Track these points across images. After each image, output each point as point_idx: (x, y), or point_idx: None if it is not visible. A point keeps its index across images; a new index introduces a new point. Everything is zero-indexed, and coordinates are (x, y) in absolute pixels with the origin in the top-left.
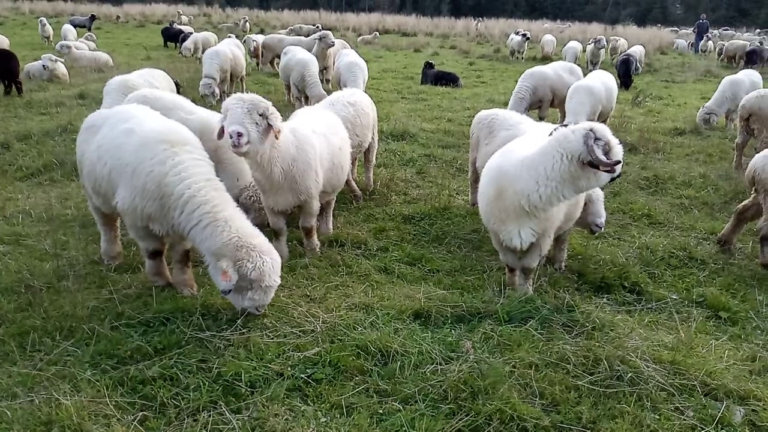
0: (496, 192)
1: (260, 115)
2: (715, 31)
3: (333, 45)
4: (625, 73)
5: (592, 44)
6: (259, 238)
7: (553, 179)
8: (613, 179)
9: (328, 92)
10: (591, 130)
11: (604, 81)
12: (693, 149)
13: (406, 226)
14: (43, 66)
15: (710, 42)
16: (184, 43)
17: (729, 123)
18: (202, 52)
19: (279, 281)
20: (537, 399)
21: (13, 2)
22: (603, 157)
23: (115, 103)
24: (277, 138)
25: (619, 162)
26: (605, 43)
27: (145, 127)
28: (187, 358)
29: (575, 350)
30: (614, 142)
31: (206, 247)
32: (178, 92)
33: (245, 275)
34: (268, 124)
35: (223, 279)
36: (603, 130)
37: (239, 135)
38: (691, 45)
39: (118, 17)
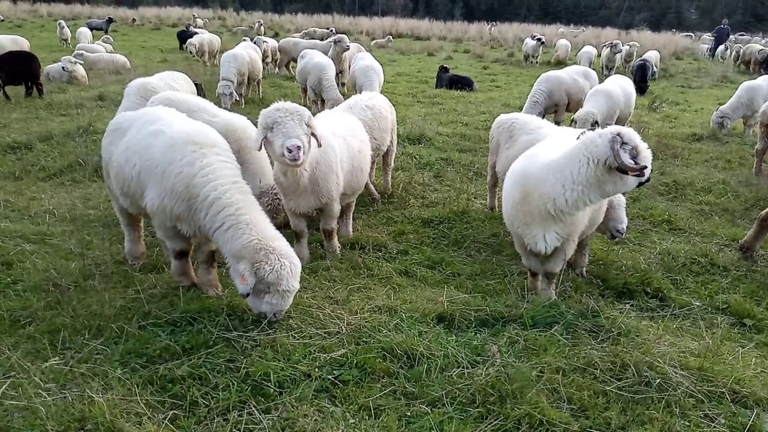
0: (522, 195)
1: (306, 124)
2: (732, 36)
3: (348, 48)
4: (641, 78)
5: (608, 49)
6: (279, 242)
7: (579, 183)
8: (641, 184)
9: (344, 95)
10: (618, 134)
11: (623, 85)
12: (711, 155)
13: (425, 229)
14: (63, 68)
15: (727, 48)
16: (190, 40)
17: (747, 129)
18: (209, 54)
19: (297, 286)
20: (565, 404)
21: (31, 5)
22: (630, 162)
23: (133, 105)
24: (319, 146)
25: (646, 167)
26: (621, 48)
27: (174, 128)
28: (216, 357)
29: (602, 355)
30: (642, 146)
31: (228, 249)
32: (200, 94)
33: (263, 278)
34: (312, 132)
35: (240, 282)
36: (630, 134)
37: (299, 148)
38: (710, 50)
39: (134, 20)
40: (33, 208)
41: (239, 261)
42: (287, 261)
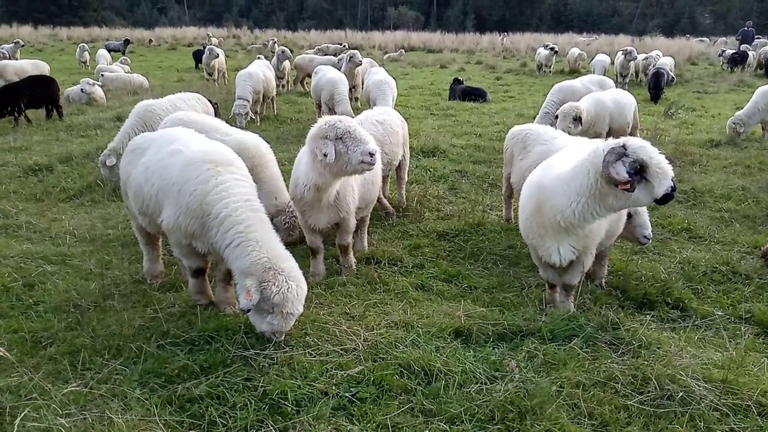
0: (536, 207)
1: None
2: (757, 40)
3: (360, 64)
4: (655, 85)
5: (623, 56)
6: (289, 263)
7: (582, 195)
8: (663, 201)
9: (358, 110)
10: (623, 145)
11: (616, 96)
12: (730, 161)
13: (441, 242)
14: (82, 90)
15: (752, 52)
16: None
17: (766, 134)
18: (218, 72)
19: (301, 310)
20: (586, 419)
21: (51, 29)
22: (619, 175)
23: (131, 127)
24: None
25: (631, 180)
26: (636, 55)
27: (191, 147)
28: (233, 376)
29: (623, 369)
30: (656, 161)
31: (237, 266)
32: (216, 114)
33: (268, 298)
34: None
35: (245, 297)
36: (640, 148)
37: (375, 152)
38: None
39: (150, 41)
40: (54, 229)
41: (247, 277)
42: (294, 284)
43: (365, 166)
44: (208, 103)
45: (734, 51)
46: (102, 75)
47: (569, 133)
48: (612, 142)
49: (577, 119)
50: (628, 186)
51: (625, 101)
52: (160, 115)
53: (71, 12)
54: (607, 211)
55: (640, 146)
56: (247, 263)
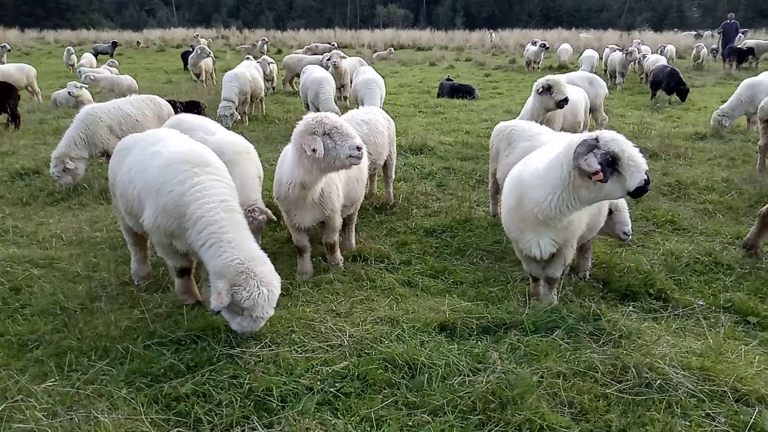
0: (516, 201)
1: None
2: (740, 33)
3: (336, 65)
4: (679, 81)
5: (624, 55)
6: (262, 267)
7: (557, 188)
8: (635, 194)
9: (347, 109)
10: (595, 138)
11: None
12: (715, 153)
13: (428, 239)
14: (69, 93)
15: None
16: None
17: (751, 126)
18: (206, 74)
19: (271, 313)
20: (566, 408)
21: (38, 33)
22: (590, 167)
23: (75, 133)
24: None
25: (598, 171)
26: (637, 55)
27: (170, 148)
28: (219, 374)
29: (603, 359)
30: (625, 153)
31: (211, 267)
32: (199, 113)
33: (238, 302)
34: None
35: (216, 299)
36: (610, 139)
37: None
38: (714, 50)
39: (138, 43)
40: (41, 233)
41: (219, 279)
42: (266, 289)
43: (353, 161)
44: (165, 104)
45: (732, 45)
46: (80, 72)
47: None
48: (586, 134)
49: (548, 89)
50: (600, 177)
51: (575, 98)
52: (103, 119)
53: (59, 15)
54: (581, 204)
55: (612, 139)
56: (219, 264)
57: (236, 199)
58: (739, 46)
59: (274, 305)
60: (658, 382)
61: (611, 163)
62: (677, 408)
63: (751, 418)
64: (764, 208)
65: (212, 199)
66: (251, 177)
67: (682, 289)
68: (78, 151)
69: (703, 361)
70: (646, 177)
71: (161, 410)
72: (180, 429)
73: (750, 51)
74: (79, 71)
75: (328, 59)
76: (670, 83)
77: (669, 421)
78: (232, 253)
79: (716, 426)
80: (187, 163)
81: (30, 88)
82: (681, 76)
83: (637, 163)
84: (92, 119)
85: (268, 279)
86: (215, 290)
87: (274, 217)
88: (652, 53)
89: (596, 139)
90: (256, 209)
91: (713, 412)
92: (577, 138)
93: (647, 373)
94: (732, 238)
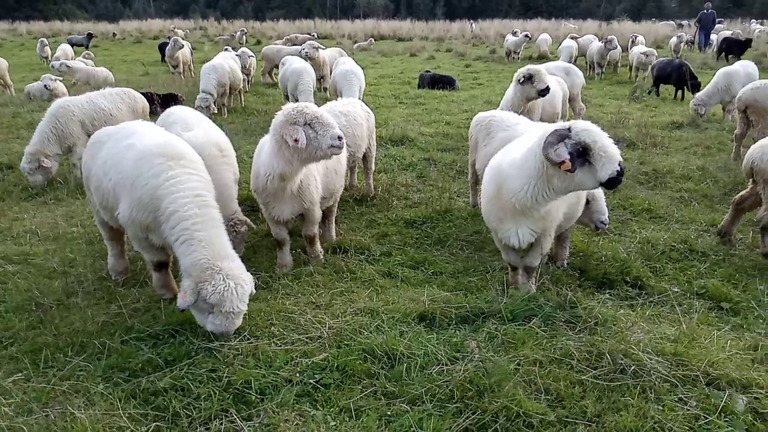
0: (495, 191)
1: None
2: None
3: (309, 55)
4: (692, 75)
5: (603, 44)
6: (230, 262)
7: (532, 177)
8: (608, 185)
9: (327, 100)
10: (568, 128)
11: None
12: (691, 142)
13: (409, 230)
14: (45, 86)
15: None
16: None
17: (726, 115)
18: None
19: (244, 309)
20: (542, 395)
21: (10, 24)
22: (559, 156)
23: (47, 128)
24: None
25: (564, 161)
26: (617, 44)
27: (144, 141)
28: (198, 368)
29: (578, 346)
30: (596, 144)
31: (182, 264)
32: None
33: (204, 298)
34: None
35: (181, 297)
36: (582, 129)
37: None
38: (690, 42)
39: (114, 34)
40: (15, 228)
41: (187, 277)
42: (233, 282)
43: (335, 150)
44: (140, 97)
45: (728, 37)
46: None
47: None
48: (559, 124)
49: (529, 78)
50: (568, 167)
51: (553, 89)
52: (74, 113)
53: (30, 6)
54: (556, 194)
55: (584, 129)
56: (188, 263)
57: (212, 192)
58: (734, 36)
59: (246, 300)
60: (633, 368)
61: (582, 153)
62: (651, 393)
63: (721, 401)
64: (737, 195)
65: (186, 193)
66: (227, 184)
67: (658, 277)
68: (52, 148)
69: (677, 346)
70: (618, 168)
71: (139, 405)
72: (158, 423)
73: (748, 42)
74: (52, 65)
75: (303, 49)
76: (681, 77)
77: (643, 406)
78: (201, 252)
79: (688, 409)
80: (162, 156)
81: (2, 80)
82: (691, 69)
83: (609, 154)
84: (63, 113)
85: (236, 273)
86: (182, 289)
87: (254, 226)
88: (620, 43)
89: (569, 129)
90: (237, 221)
91: (685, 396)
92: (552, 128)
93: (622, 360)
94: (707, 225)
